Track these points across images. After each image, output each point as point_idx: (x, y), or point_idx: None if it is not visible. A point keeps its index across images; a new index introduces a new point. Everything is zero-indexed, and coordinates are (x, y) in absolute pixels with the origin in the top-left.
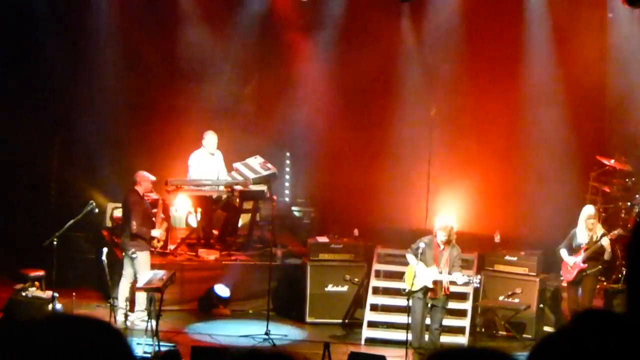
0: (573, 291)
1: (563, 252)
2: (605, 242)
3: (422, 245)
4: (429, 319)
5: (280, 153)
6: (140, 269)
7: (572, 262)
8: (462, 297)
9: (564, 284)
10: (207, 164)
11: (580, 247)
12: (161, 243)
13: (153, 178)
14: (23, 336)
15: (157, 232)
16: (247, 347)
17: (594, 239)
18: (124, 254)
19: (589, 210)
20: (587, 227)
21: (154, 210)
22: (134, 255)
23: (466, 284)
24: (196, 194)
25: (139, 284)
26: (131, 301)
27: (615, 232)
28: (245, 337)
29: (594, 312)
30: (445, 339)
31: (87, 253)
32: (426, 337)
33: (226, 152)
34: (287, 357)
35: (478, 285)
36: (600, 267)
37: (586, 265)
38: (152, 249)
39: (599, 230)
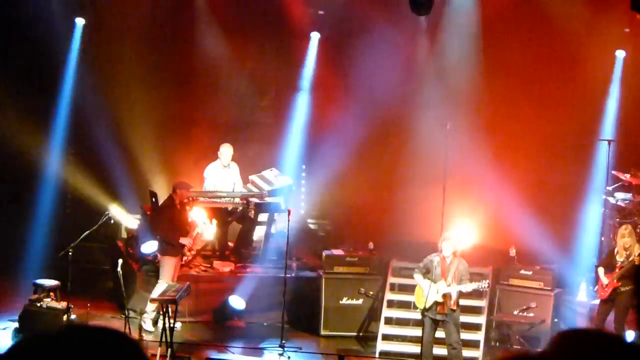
0: (605, 309)
1: (600, 271)
2: (637, 259)
3: (430, 261)
4: (439, 332)
5: (296, 165)
6: (162, 273)
7: (606, 281)
8: (476, 310)
9: (580, 299)
10: (222, 176)
11: (616, 266)
12: (193, 252)
13: (192, 187)
14: (41, 347)
15: (186, 240)
16: None
17: (630, 258)
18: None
19: (623, 229)
20: (623, 246)
21: (191, 220)
22: (157, 260)
23: (475, 290)
24: (212, 205)
25: (153, 295)
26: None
27: (638, 254)
28: (260, 349)
29: (574, 333)
30: None
31: (102, 264)
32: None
33: (242, 165)
34: None
35: (487, 288)
36: (632, 286)
37: (620, 283)
38: (188, 258)
39: (637, 249)
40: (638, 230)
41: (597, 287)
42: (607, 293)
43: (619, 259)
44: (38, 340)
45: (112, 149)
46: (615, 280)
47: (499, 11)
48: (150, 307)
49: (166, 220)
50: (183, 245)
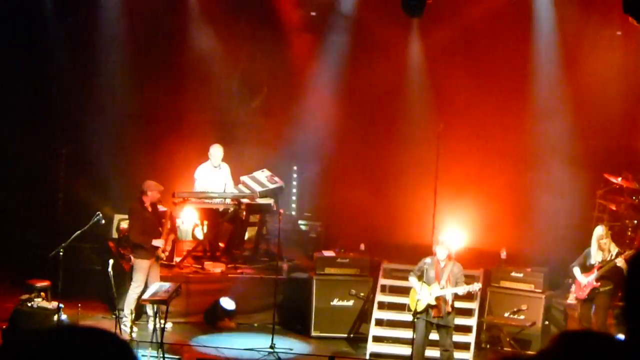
0: (585, 309)
1: (576, 271)
2: (620, 262)
3: (424, 263)
4: (434, 335)
5: (287, 167)
6: (134, 276)
7: (585, 281)
8: (467, 313)
9: (571, 301)
10: (212, 176)
11: (594, 266)
12: (166, 254)
13: (161, 188)
14: (30, 347)
15: (158, 242)
16: None
17: (608, 258)
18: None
19: (600, 230)
20: (599, 247)
21: (163, 221)
22: (131, 263)
23: (468, 292)
24: (203, 206)
25: (145, 296)
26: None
27: (630, 252)
28: (250, 350)
29: (574, 333)
30: None
31: (93, 264)
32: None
33: (233, 165)
34: None
35: (478, 290)
36: (612, 286)
37: (599, 283)
38: (162, 260)
39: (613, 249)
40: (629, 233)
41: (574, 287)
42: (585, 293)
43: (597, 258)
44: (28, 340)
45: (103, 149)
46: (594, 281)
47: (490, 13)
48: (127, 309)
49: (137, 223)
50: (156, 248)
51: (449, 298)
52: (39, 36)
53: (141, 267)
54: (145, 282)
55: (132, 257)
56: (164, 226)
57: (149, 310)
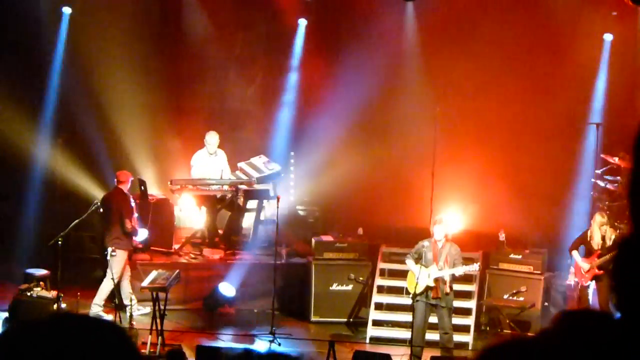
0: (585, 292)
1: (576, 254)
2: None
3: (421, 246)
4: (434, 318)
5: (284, 152)
6: (114, 268)
7: (586, 267)
8: (466, 295)
9: (570, 282)
10: (209, 163)
11: (593, 252)
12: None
13: (132, 177)
14: (28, 335)
15: (145, 233)
16: (241, 348)
17: (607, 244)
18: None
19: (600, 217)
20: (600, 233)
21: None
22: (113, 254)
23: (466, 273)
24: (200, 193)
25: (144, 283)
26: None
27: None
28: (250, 336)
29: (576, 313)
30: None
31: (91, 253)
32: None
33: (230, 152)
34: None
35: (477, 270)
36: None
37: (602, 272)
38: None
39: (612, 234)
40: (627, 213)
41: (574, 270)
42: (587, 279)
43: (595, 244)
44: (26, 328)
45: (100, 138)
46: (596, 269)
47: None
48: (101, 301)
49: (127, 213)
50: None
51: (447, 279)
52: (33, 25)
53: (122, 258)
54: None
55: (113, 248)
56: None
57: (126, 299)
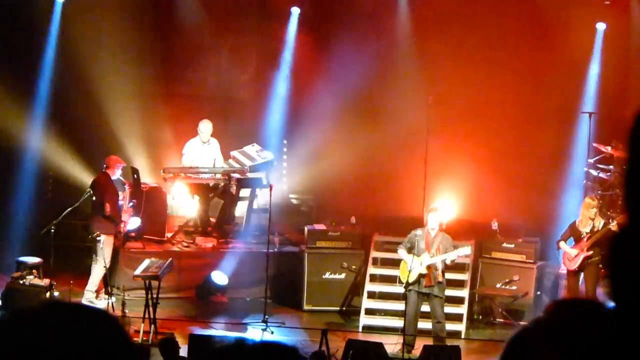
0: (574, 280)
1: (563, 245)
2: (614, 227)
3: (414, 235)
4: (426, 306)
5: (277, 141)
6: (106, 251)
7: (574, 252)
8: (459, 284)
9: (562, 271)
10: (201, 151)
11: (582, 238)
12: (125, 229)
13: (124, 164)
14: (19, 323)
15: (125, 216)
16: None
17: (595, 228)
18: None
19: (590, 200)
20: (588, 217)
21: (121, 197)
22: (98, 238)
23: (458, 257)
24: (193, 181)
25: (137, 272)
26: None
27: (623, 216)
28: (243, 324)
29: (569, 302)
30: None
31: (84, 241)
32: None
33: (223, 140)
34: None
35: (470, 254)
36: (600, 257)
37: (591, 252)
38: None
39: (600, 220)
40: (620, 202)
41: (562, 259)
42: (576, 264)
43: (583, 229)
44: (17, 317)
45: (92, 126)
46: (586, 250)
47: None
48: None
49: (111, 198)
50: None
51: (440, 266)
52: (26, 14)
53: (110, 242)
54: None
55: (99, 234)
56: (124, 200)
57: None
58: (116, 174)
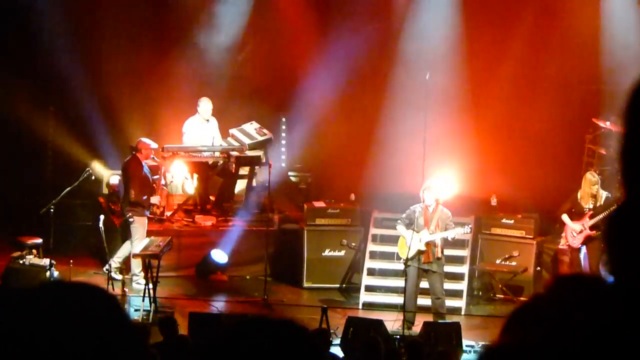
0: (576, 255)
1: (566, 218)
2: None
3: (412, 211)
4: (425, 283)
5: (276, 118)
6: (135, 234)
7: (578, 229)
8: (459, 260)
9: (562, 246)
10: (201, 130)
11: (584, 213)
12: (161, 209)
13: (155, 145)
14: (19, 303)
15: (156, 199)
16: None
17: (598, 204)
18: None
19: (591, 176)
20: (590, 193)
21: (155, 177)
22: (130, 220)
23: (458, 235)
24: (192, 160)
25: (136, 250)
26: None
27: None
28: (243, 302)
29: (570, 277)
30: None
31: (84, 220)
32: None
33: (221, 118)
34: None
35: (469, 232)
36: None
37: (594, 232)
38: (152, 216)
39: (603, 195)
40: (618, 177)
41: (564, 234)
42: (579, 241)
43: (585, 205)
44: (14, 296)
45: (91, 105)
46: (589, 229)
47: None
48: (120, 260)
49: (136, 183)
50: (152, 204)
51: (439, 243)
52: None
53: (142, 224)
54: None
55: (131, 216)
56: (157, 182)
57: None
58: (148, 158)
